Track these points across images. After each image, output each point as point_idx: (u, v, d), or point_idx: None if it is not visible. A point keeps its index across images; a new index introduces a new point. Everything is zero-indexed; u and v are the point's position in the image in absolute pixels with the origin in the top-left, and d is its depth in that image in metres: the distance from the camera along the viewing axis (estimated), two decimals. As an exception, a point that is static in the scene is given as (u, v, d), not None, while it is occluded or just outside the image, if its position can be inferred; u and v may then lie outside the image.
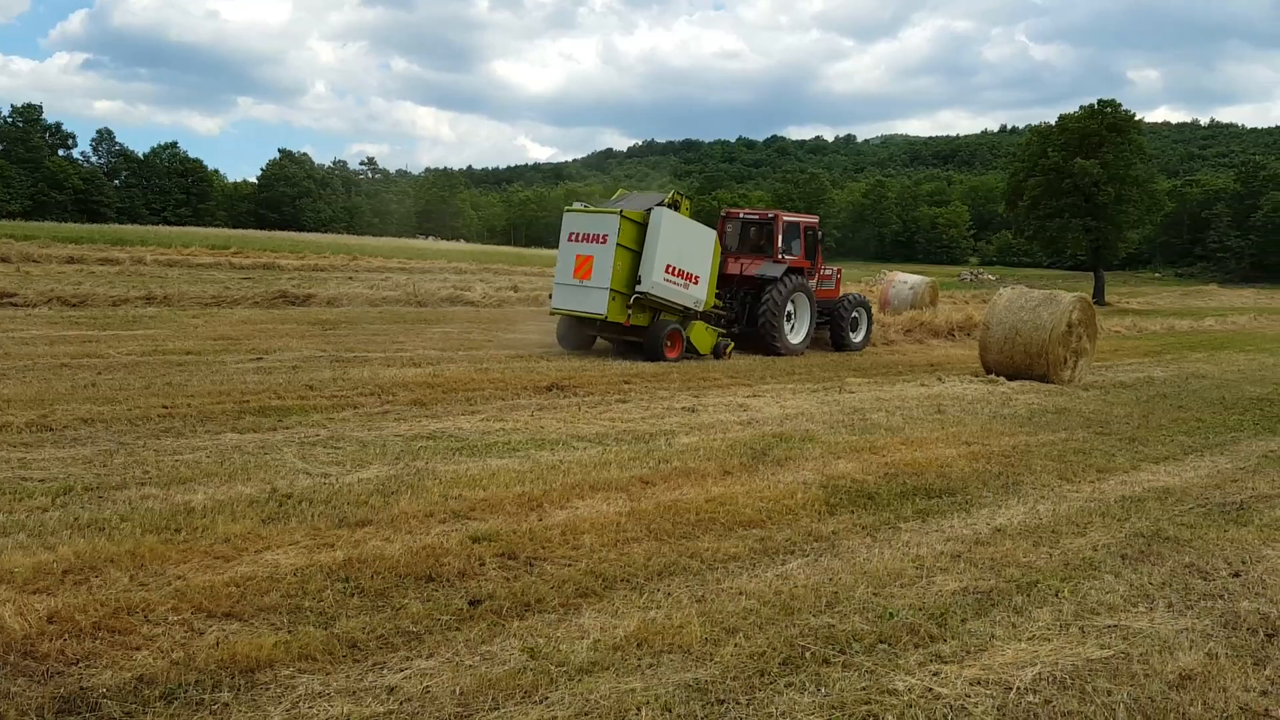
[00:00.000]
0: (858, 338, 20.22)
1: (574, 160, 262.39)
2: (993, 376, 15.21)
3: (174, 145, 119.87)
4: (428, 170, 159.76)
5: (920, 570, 5.67)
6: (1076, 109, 58.06)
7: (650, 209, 15.81)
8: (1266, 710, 4.04)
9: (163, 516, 5.97)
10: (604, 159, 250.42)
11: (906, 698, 4.01)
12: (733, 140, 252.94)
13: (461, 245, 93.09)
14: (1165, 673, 4.35)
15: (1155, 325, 32.64)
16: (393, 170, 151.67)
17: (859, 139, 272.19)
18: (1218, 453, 9.94)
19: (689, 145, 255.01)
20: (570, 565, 5.48)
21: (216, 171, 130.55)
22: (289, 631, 4.43)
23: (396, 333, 18.25)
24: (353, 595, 4.89)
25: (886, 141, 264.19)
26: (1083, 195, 54.85)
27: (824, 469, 8.21)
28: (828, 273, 20.45)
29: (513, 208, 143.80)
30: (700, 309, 16.55)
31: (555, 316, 16.95)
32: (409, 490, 6.87)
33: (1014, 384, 14.55)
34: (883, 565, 5.72)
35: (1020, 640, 4.68)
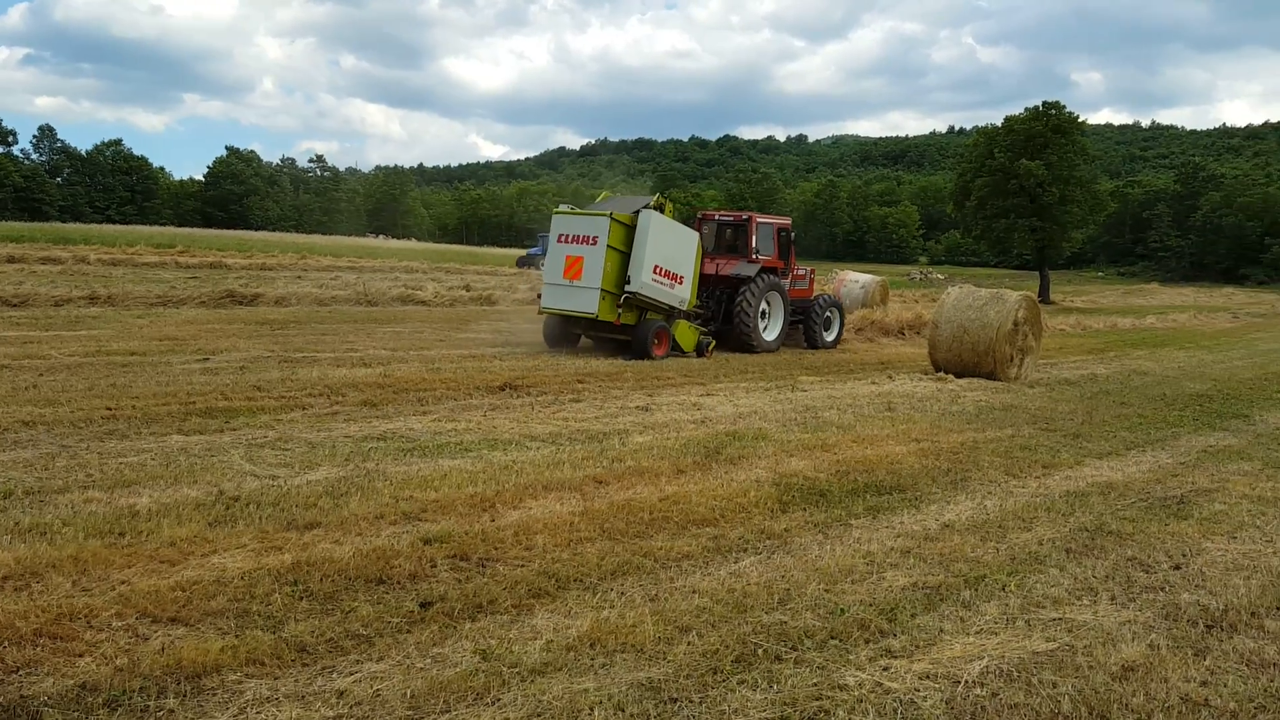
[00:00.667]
0: (830, 336, 20.74)
1: (526, 158, 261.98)
2: (942, 374, 15.43)
3: (118, 142, 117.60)
4: (378, 168, 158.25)
5: (871, 566, 5.73)
6: (1022, 111, 59.11)
7: (638, 211, 16.19)
8: (1206, 700, 4.14)
9: (106, 520, 5.84)
10: (557, 157, 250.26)
11: (857, 693, 4.06)
12: (686, 139, 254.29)
13: (413, 244, 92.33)
14: (1108, 664, 4.45)
15: (1099, 323, 33.32)
16: (342, 168, 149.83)
17: (810, 139, 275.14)
18: (1159, 448, 10.18)
19: (642, 144, 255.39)
20: (523, 566, 5.46)
21: (162, 169, 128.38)
22: (236, 636, 4.36)
23: (346, 332, 18.03)
24: (302, 598, 4.83)
25: (837, 142, 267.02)
26: (1028, 196, 55.85)
27: (777, 467, 8.27)
28: (801, 273, 20.91)
29: (465, 206, 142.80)
30: (684, 308, 16.97)
31: (542, 315, 17.26)
32: (359, 492, 6.79)
33: (962, 381, 14.78)
34: (834, 562, 5.78)
35: (968, 634, 4.75)
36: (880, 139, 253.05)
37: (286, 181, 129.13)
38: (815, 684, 4.13)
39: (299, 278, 31.36)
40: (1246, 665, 4.53)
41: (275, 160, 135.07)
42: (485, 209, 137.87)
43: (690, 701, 3.93)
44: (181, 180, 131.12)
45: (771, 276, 18.79)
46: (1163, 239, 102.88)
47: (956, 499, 7.55)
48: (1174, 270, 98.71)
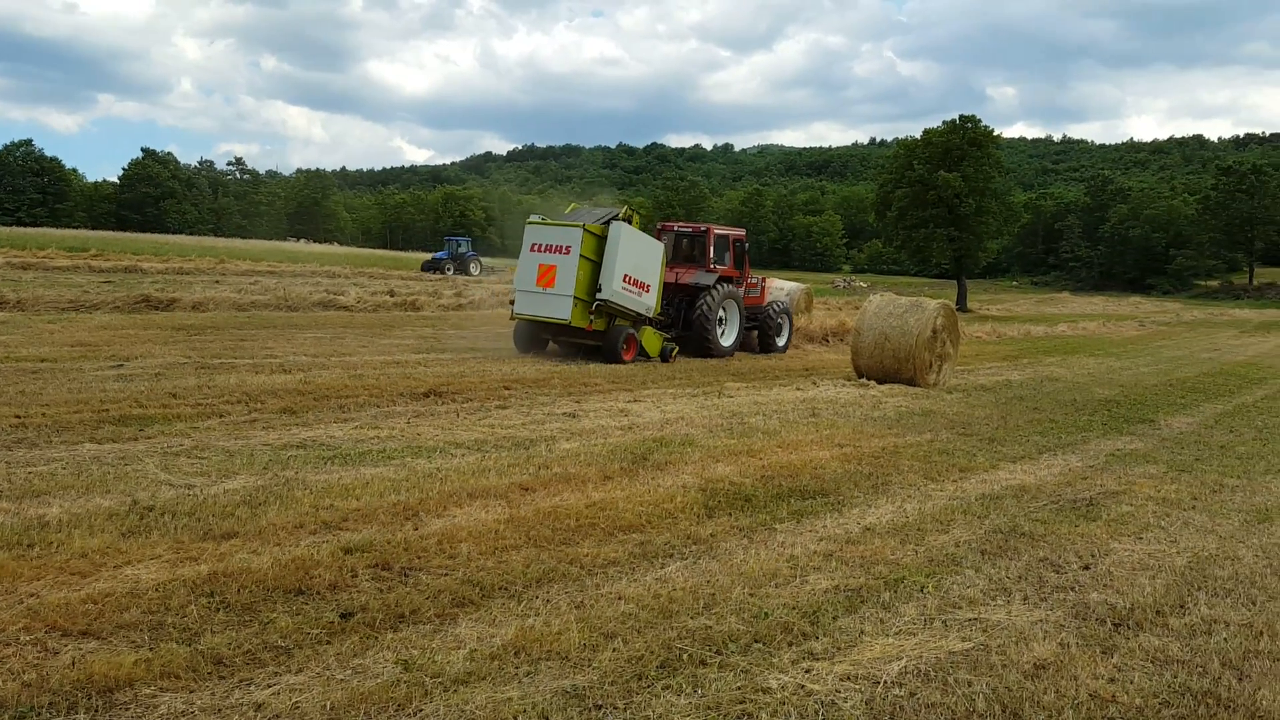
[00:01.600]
0: (781, 341, 21.61)
1: (452, 163, 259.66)
2: (864, 380, 15.72)
3: (29, 143, 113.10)
4: (299, 171, 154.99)
5: (794, 570, 5.81)
6: (940, 124, 60.64)
7: (609, 222, 16.91)
8: (1114, 696, 4.29)
9: (14, 532, 5.63)
10: (483, 162, 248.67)
11: (780, 695, 4.11)
12: (614, 146, 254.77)
13: (335, 248, 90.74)
14: (1021, 663, 4.58)
15: (1013, 331, 34.29)
16: (262, 171, 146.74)
17: (737, 148, 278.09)
18: (1069, 452, 10.51)
19: (570, 150, 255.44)
20: (447, 575, 5.40)
21: (75, 171, 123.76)
22: (150, 649, 4.24)
23: (266, 338, 17.64)
24: (218, 610, 4.72)
25: (763, 151, 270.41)
26: (946, 207, 57.28)
27: (703, 472, 8.33)
28: (754, 281, 21.72)
29: (388, 210, 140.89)
30: (650, 315, 17.68)
31: (512, 321, 17.86)
32: (278, 501, 6.65)
33: (884, 387, 15.07)
34: (759, 566, 5.84)
35: (888, 635, 4.85)
36: (805, 149, 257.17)
37: (205, 184, 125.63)
38: (739, 687, 4.17)
39: (217, 282, 30.62)
40: (1152, 662, 4.70)
41: (193, 162, 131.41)
42: (410, 214, 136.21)
43: (615, 708, 3.94)
44: (95, 182, 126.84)
45: (728, 285, 19.60)
46: (1073, 249, 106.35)
47: (877, 502, 7.69)
48: (1084, 280, 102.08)
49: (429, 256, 59.04)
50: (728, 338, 19.62)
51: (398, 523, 6.32)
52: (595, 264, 16.67)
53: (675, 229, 20.51)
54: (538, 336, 17.68)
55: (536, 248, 16.93)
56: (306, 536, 5.92)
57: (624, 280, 16.77)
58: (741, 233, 21.30)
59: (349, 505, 6.62)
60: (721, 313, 19.33)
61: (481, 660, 4.31)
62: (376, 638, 4.52)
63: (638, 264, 17.12)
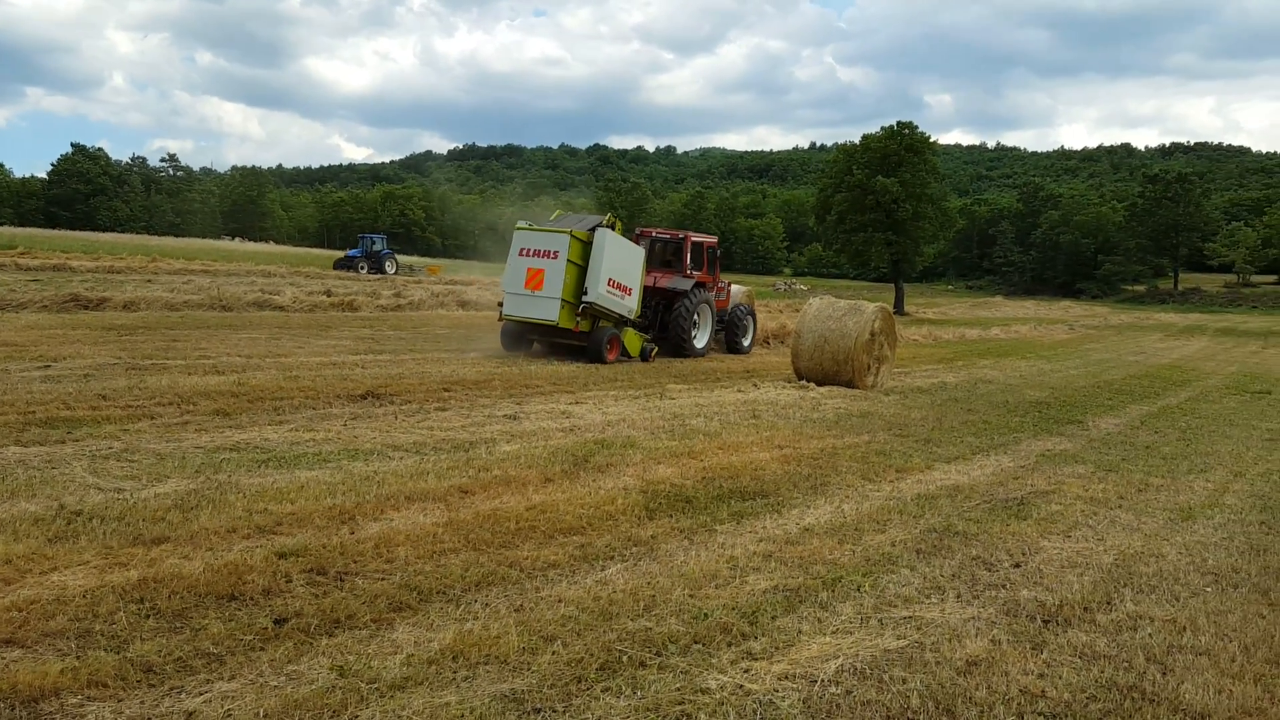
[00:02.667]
0: (746, 341, 22.76)
1: (392, 161, 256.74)
2: (804, 382, 15.89)
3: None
4: (235, 168, 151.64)
5: (734, 570, 5.85)
6: (878, 130, 61.59)
7: (594, 229, 17.82)
8: (1043, 691, 4.39)
9: (-75, 541, 5.42)
10: (423, 161, 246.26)
11: (719, 695, 4.13)
12: (556, 147, 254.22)
13: (270, 247, 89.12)
14: (954, 659, 4.66)
15: (948, 334, 34.93)
16: (197, 168, 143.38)
17: (679, 150, 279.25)
18: (1001, 452, 10.74)
19: (511, 150, 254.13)
20: (384, 579, 5.34)
21: (1, 166, 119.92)
22: (77, 657, 4.12)
23: (199, 339, 17.25)
24: (148, 617, 4.60)
25: (705, 154, 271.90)
26: (884, 211, 58.17)
27: (644, 474, 8.34)
28: (722, 285, 22.81)
29: (326, 209, 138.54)
30: (632, 317, 18.60)
31: (500, 322, 18.53)
32: (210, 505, 6.51)
33: (823, 389, 15.25)
34: (699, 567, 5.87)
35: (825, 634, 4.91)
36: (746, 152, 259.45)
37: (137, 181, 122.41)
38: (678, 688, 4.18)
39: (149, 281, 29.86)
40: (1079, 657, 4.82)
41: (125, 159, 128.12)
42: (348, 212, 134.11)
43: (554, 711, 3.93)
44: (23, 178, 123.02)
45: (703, 290, 20.66)
46: (1006, 254, 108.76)
47: (816, 503, 7.78)
48: (1017, 284, 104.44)
49: (342, 254, 56.85)
50: (701, 339, 20.59)
51: (333, 527, 6.23)
52: (581, 268, 17.51)
53: (654, 235, 21.49)
54: (523, 337, 18.40)
55: (525, 252, 17.68)
56: (240, 541, 5.81)
57: (608, 284, 17.64)
58: (714, 240, 22.54)
59: (283, 509, 6.50)
60: (696, 315, 20.30)
61: (419, 665, 4.26)
62: (311, 643, 4.45)
63: (621, 268, 18.00)
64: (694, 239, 21.09)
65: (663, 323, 20.03)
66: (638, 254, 18.75)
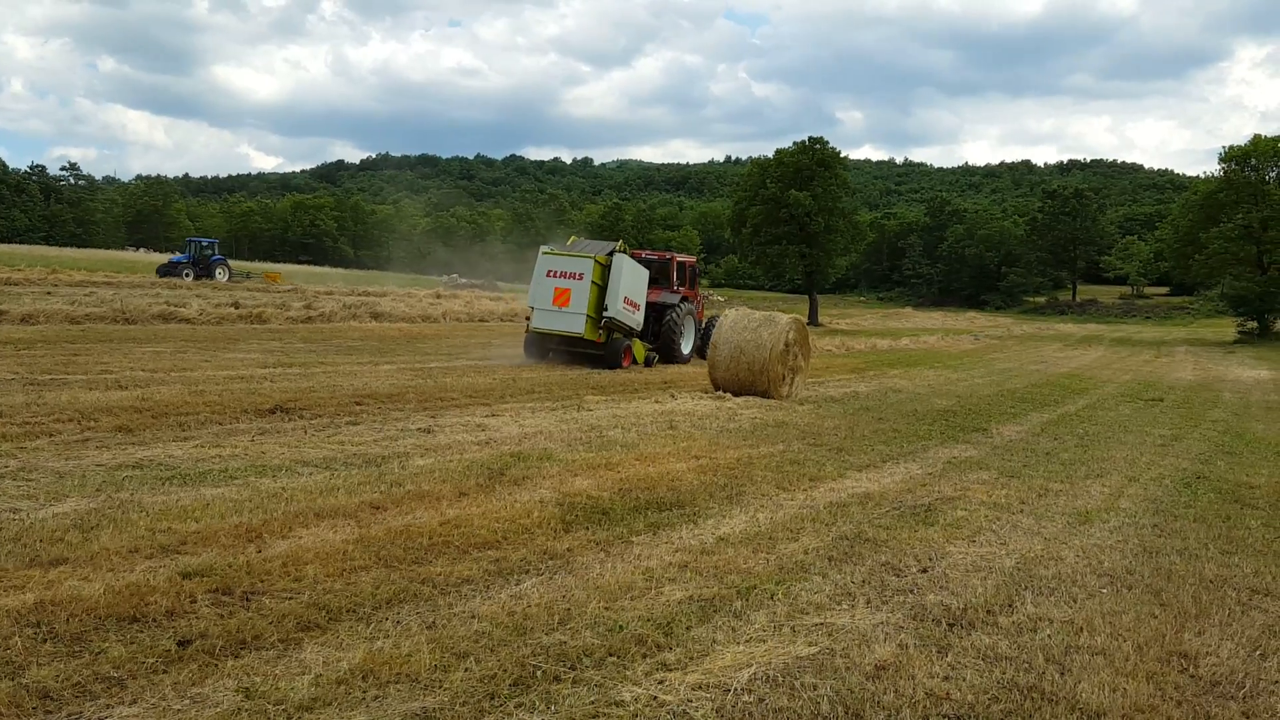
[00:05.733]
0: (688, 349, 24.42)
1: (302, 170, 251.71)
2: (721, 393, 16.04)
3: None
4: (139, 178, 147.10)
5: (650, 582, 5.86)
6: (791, 145, 62.71)
7: (612, 254, 20.49)
8: (948, 694, 4.50)
9: None
10: (335, 170, 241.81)
11: (633, 708, 4.13)
12: (472, 157, 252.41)
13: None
14: (863, 665, 4.75)
15: (860, 345, 35.68)
16: (99, 177, 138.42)
17: (596, 162, 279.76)
18: (910, 460, 11.00)
19: (426, 160, 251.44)
20: (291, 598, 5.21)
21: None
22: (-36, 688, 3.92)
23: (101, 353, 16.63)
24: (45, 641, 4.41)
25: (622, 166, 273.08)
26: (797, 224, 59.26)
27: (561, 486, 8.31)
28: (700, 299, 25.51)
29: (234, 219, 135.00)
30: (639, 329, 21.36)
31: (527, 334, 21.21)
32: (111, 524, 6.27)
33: (739, 400, 15.41)
34: (615, 579, 5.86)
35: (739, 643, 4.95)
36: (663, 165, 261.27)
37: (36, 190, 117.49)
38: (592, 702, 4.17)
39: (48, 294, 28.77)
40: (983, 660, 4.95)
41: (23, 167, 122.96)
42: (257, 222, 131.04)
43: (467, 728, 3.88)
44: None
45: (688, 303, 23.32)
46: (915, 267, 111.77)
47: (732, 513, 7.85)
48: (925, 295, 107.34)
49: (166, 259, 52.35)
50: (687, 346, 23.22)
51: (240, 545, 6.06)
52: (601, 288, 20.16)
53: (643, 256, 23.65)
54: (543, 346, 21.05)
55: (552, 273, 20.32)
56: (142, 561, 5.60)
57: (624, 301, 20.28)
58: (694, 259, 25.59)
59: (188, 528, 6.30)
60: (683, 326, 22.96)
61: (327, 685, 4.17)
62: (216, 665, 4.32)
63: (633, 287, 20.69)
64: (678, 259, 24.13)
65: (654, 332, 22.47)
66: (644, 274, 21.39)
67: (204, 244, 49.90)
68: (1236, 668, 4.98)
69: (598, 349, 20.41)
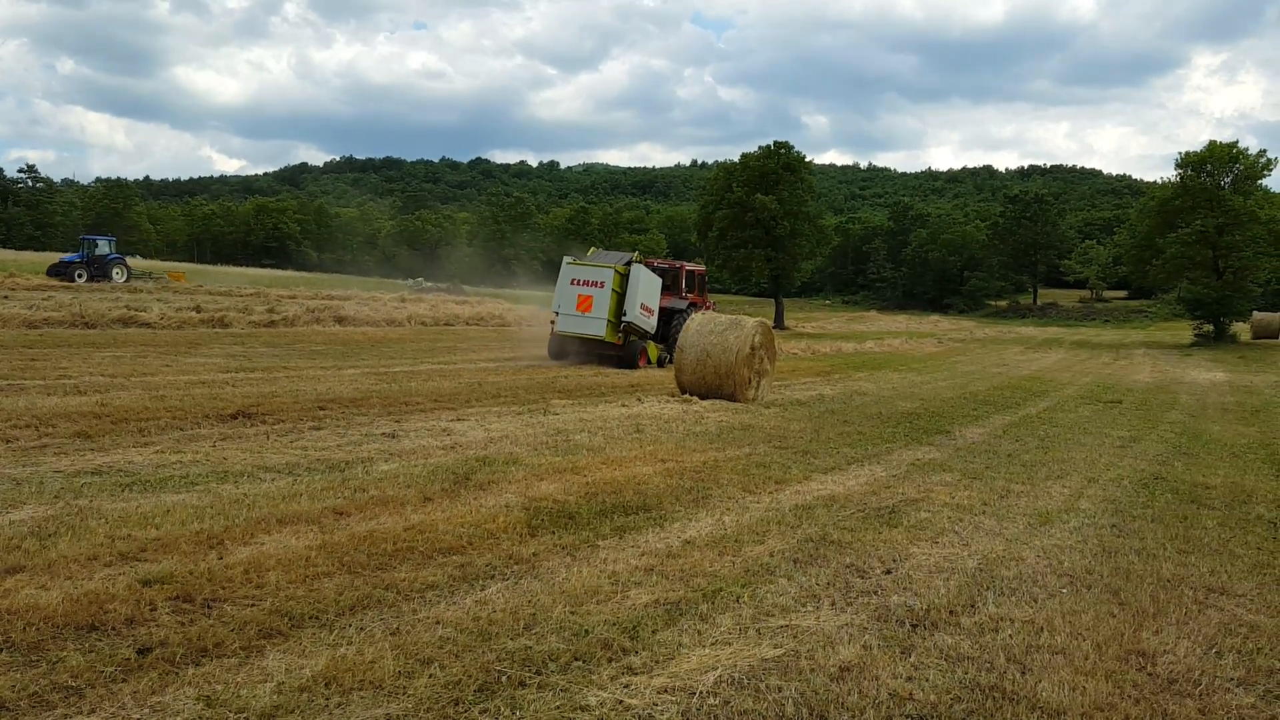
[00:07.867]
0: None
1: (265, 173, 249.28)
2: (687, 396, 16.08)
3: None
4: (99, 180, 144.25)
5: (616, 586, 5.86)
6: (757, 149, 63.04)
7: (630, 263, 22.68)
8: (911, 694, 4.54)
9: None
10: (298, 173, 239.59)
11: (598, 712, 4.13)
12: (437, 160, 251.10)
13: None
14: (828, 666, 4.78)
15: (826, 348, 35.91)
16: (58, 179, 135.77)
17: (563, 166, 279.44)
18: (875, 462, 11.08)
19: (390, 163, 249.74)
20: (253, 605, 5.15)
21: None
22: (-90, 703, 3.84)
23: (59, 358, 16.36)
24: (1, 650, 4.34)
25: (589, 169, 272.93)
26: (763, 228, 59.57)
27: (526, 491, 8.28)
28: (709, 305, 26.72)
29: (196, 222, 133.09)
30: (652, 333, 23.34)
31: (551, 336, 23.50)
32: (70, 532, 6.18)
33: (706, 403, 15.45)
34: (581, 583, 5.86)
35: (705, 646, 4.96)
36: (629, 169, 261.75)
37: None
38: (558, 707, 4.16)
39: (5, 298, 28.22)
40: (945, 660, 5.00)
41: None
42: (219, 225, 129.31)
43: (432, 735, 3.86)
44: None
45: (695, 309, 24.00)
46: (879, 271, 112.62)
47: (698, 516, 7.86)
48: (889, 299, 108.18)
49: (57, 259, 46.99)
50: None
51: (201, 552, 5.98)
52: (620, 295, 22.20)
53: (654, 265, 25.32)
54: (565, 349, 23.09)
55: (576, 282, 22.49)
56: (101, 569, 5.52)
57: (640, 307, 22.29)
58: (703, 268, 27.97)
59: (148, 535, 6.21)
60: None
61: (290, 693, 4.13)
62: (177, 673, 4.26)
63: (648, 294, 22.69)
64: (687, 268, 26.37)
65: (663, 335, 24.07)
66: (657, 282, 23.33)
67: (98, 242, 45.39)
68: (1193, 665, 5.06)
69: (617, 350, 22.37)
